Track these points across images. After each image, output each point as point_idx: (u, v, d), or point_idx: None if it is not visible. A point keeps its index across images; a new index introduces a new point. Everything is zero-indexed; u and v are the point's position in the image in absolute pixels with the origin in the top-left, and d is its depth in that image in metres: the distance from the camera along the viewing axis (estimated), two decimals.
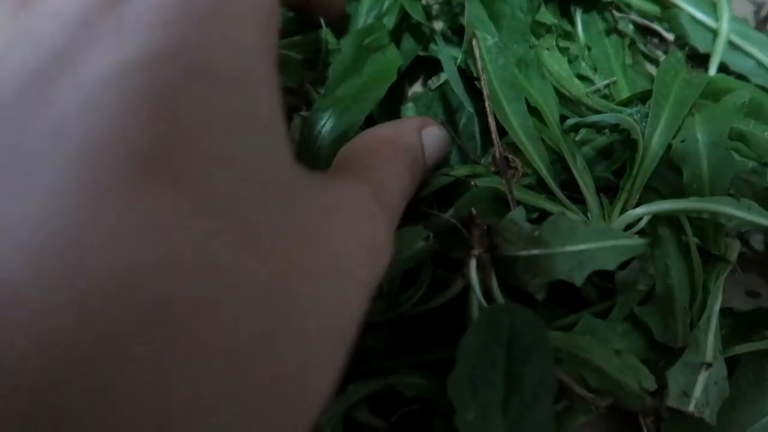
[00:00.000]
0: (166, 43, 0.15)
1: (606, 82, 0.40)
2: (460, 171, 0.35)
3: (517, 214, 0.31)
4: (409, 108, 0.40)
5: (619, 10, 0.43)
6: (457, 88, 0.36)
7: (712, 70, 0.41)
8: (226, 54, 0.16)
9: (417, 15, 0.38)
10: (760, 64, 0.41)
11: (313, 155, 0.33)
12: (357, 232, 0.20)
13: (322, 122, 0.33)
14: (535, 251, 0.30)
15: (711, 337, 0.30)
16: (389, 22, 0.39)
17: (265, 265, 0.15)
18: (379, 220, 0.21)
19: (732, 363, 0.32)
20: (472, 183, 0.36)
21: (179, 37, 0.15)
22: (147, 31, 0.15)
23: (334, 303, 0.17)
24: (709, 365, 0.29)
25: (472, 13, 0.37)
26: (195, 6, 0.16)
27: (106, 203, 0.12)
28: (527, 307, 0.32)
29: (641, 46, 0.43)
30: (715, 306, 0.31)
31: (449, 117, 0.41)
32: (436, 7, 0.43)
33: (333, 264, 0.18)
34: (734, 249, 0.33)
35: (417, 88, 0.44)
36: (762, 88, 0.40)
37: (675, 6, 0.42)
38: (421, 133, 0.29)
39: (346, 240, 0.19)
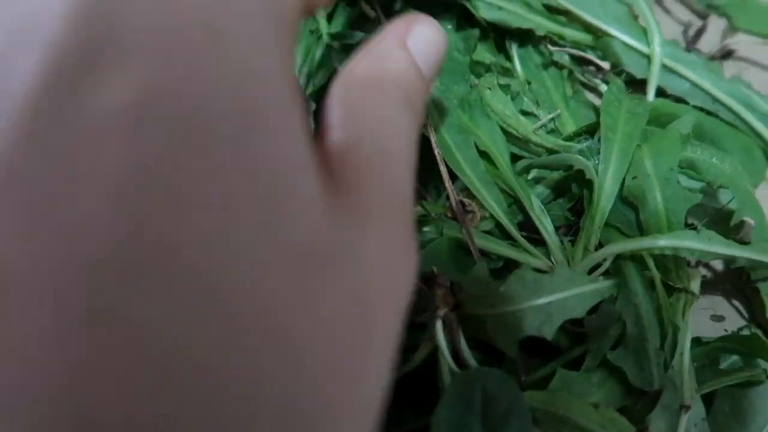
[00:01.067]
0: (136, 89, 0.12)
1: (550, 116, 0.40)
2: (414, 209, 0.34)
3: (480, 269, 0.29)
4: None
5: (553, 43, 0.43)
6: None
7: (650, 95, 0.41)
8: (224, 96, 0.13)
9: None
10: (694, 85, 0.41)
11: None
12: (386, 281, 0.16)
13: None
14: (502, 308, 0.29)
15: (686, 376, 0.30)
16: (318, 80, 0.38)
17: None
18: (401, 245, 0.17)
19: (707, 396, 0.31)
20: (426, 230, 0.34)
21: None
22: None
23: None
24: (687, 408, 0.29)
25: None
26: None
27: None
28: (498, 364, 0.31)
29: (579, 76, 0.43)
30: (686, 342, 0.31)
31: None
32: None
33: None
34: (696, 279, 0.33)
35: None
36: (700, 108, 0.40)
37: (607, 34, 0.43)
38: (407, 47, 0.21)
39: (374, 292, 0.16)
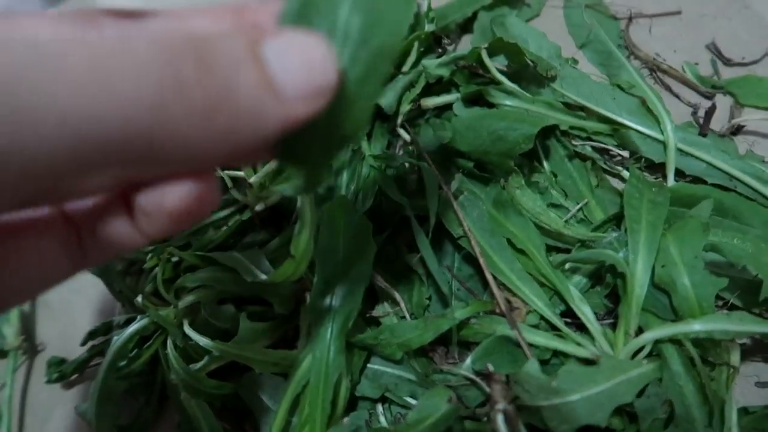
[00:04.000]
0: None
1: (578, 206, 0.44)
2: (466, 311, 0.38)
3: (532, 366, 0.32)
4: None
5: (576, 137, 0.47)
6: (432, 267, 0.38)
7: (670, 180, 0.44)
8: None
9: (390, 192, 0.42)
10: (709, 165, 0.44)
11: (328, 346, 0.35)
12: None
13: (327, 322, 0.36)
14: (555, 401, 0.32)
15: None
16: (366, 195, 0.43)
17: None
18: None
19: None
20: (475, 323, 0.38)
21: None
22: None
23: None
24: None
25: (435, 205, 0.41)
26: None
27: None
28: None
29: (602, 164, 0.47)
30: (733, 416, 0.33)
31: (442, 260, 0.43)
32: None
33: None
34: (736, 351, 0.35)
35: None
36: (719, 186, 0.43)
37: (623, 126, 0.47)
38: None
39: None
